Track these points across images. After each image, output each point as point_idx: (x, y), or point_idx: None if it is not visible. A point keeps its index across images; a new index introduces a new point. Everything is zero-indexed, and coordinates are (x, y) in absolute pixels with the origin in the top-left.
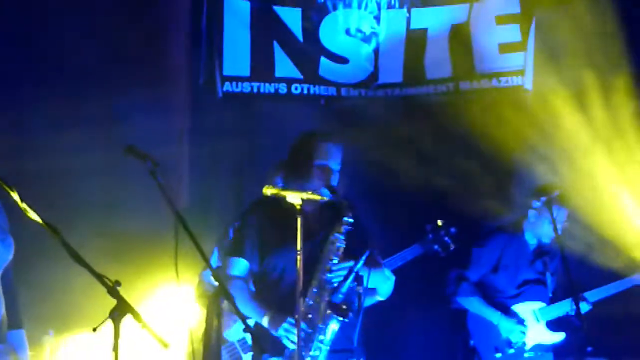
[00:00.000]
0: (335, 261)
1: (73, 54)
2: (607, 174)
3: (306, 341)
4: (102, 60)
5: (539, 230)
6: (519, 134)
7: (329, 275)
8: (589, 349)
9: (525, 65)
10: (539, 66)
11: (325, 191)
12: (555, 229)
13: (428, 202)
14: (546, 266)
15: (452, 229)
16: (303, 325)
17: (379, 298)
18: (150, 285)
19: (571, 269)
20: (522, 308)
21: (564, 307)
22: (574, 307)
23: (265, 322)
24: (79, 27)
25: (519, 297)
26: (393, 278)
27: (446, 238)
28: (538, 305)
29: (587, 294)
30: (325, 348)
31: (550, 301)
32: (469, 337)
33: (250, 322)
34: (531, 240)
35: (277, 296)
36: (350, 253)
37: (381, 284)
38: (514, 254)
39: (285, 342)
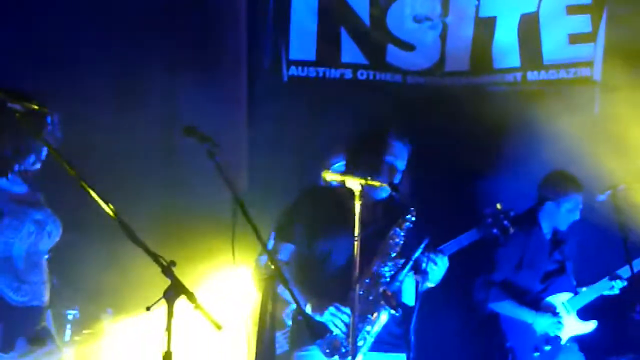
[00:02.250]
0: (393, 256)
1: (135, 37)
2: None
3: (353, 330)
4: (163, 44)
5: (556, 219)
6: (584, 126)
7: (383, 268)
8: None
9: (594, 56)
10: (608, 58)
11: (387, 188)
12: (623, 221)
13: (488, 190)
14: (563, 254)
15: (512, 213)
16: (347, 312)
17: (429, 285)
18: (208, 268)
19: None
20: (552, 302)
21: (599, 289)
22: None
23: (308, 308)
24: (142, 10)
25: (546, 292)
26: (446, 264)
27: (506, 222)
28: (565, 296)
29: (619, 272)
30: (370, 339)
31: (575, 289)
32: (505, 339)
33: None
34: (546, 229)
35: (323, 281)
36: (405, 250)
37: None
38: (534, 247)
39: (331, 326)
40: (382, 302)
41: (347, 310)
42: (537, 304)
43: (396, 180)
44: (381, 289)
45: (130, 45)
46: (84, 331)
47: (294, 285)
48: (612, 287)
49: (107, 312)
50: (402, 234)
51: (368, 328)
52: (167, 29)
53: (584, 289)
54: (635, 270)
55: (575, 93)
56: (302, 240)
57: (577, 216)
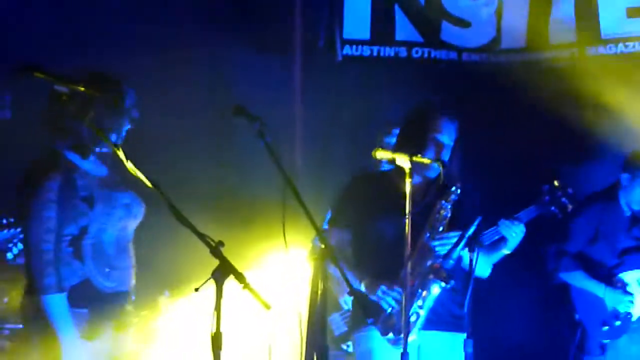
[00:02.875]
0: (440, 229)
1: (184, 16)
2: None
3: (405, 307)
4: (216, 24)
5: (632, 195)
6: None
7: (433, 243)
8: None
9: None
10: None
11: (435, 165)
12: None
13: (544, 166)
14: None
15: (570, 190)
16: (398, 289)
17: (506, 252)
18: (260, 251)
19: None
20: (625, 277)
21: None
22: None
23: (362, 287)
24: None
25: (621, 267)
26: (523, 231)
27: (564, 199)
28: None
29: None
30: (423, 314)
31: None
32: (574, 311)
33: None
34: (626, 206)
35: (375, 262)
36: (456, 224)
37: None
38: (611, 222)
39: (383, 304)
40: (431, 276)
41: (398, 288)
42: (610, 279)
43: (444, 156)
44: (429, 263)
45: (181, 24)
46: (141, 313)
47: (348, 269)
48: None
49: (165, 295)
50: (449, 206)
51: (419, 303)
52: (220, 8)
53: None
54: None
55: (636, 68)
56: (355, 225)
57: None
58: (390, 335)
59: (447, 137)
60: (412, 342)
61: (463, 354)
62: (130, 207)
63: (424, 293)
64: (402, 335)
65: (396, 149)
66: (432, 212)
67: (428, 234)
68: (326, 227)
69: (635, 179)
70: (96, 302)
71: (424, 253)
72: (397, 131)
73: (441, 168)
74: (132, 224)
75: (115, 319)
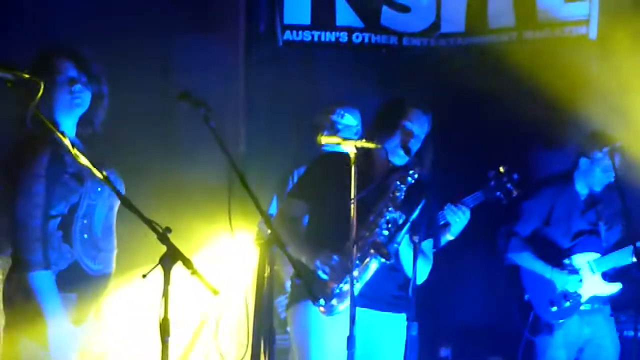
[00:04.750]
0: (391, 209)
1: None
2: None
3: (338, 273)
4: (158, 7)
5: (591, 179)
6: (581, 84)
7: (381, 220)
8: None
9: (590, 14)
10: (603, 16)
11: (401, 151)
12: (617, 176)
13: (488, 151)
14: (599, 216)
15: (515, 175)
16: (334, 261)
17: (450, 237)
18: (205, 235)
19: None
20: (577, 260)
21: (620, 258)
22: (633, 256)
23: (304, 257)
24: None
25: (574, 249)
26: (468, 217)
27: (509, 185)
28: (593, 256)
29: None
30: (359, 286)
31: (605, 251)
32: (524, 291)
33: None
34: (582, 190)
35: (326, 238)
36: (407, 207)
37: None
38: (566, 205)
39: (320, 272)
40: (372, 251)
41: (335, 256)
42: (561, 260)
43: (412, 146)
44: (372, 239)
45: (125, 9)
46: None
47: (302, 240)
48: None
49: None
50: (404, 187)
51: (355, 273)
52: None
53: (615, 252)
54: None
55: (572, 52)
56: (312, 199)
57: (611, 178)
58: (322, 301)
59: (417, 127)
60: (343, 311)
61: (402, 334)
62: (114, 184)
63: (363, 264)
64: (332, 302)
65: (367, 133)
66: (386, 191)
67: (377, 212)
68: (275, 209)
69: (594, 162)
70: (84, 286)
71: (371, 229)
72: (341, 111)
73: (407, 155)
74: (117, 203)
75: (97, 304)
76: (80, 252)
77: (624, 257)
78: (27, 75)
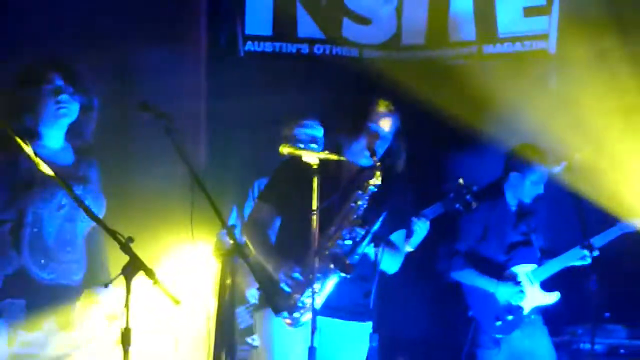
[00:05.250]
0: (353, 219)
1: (92, 12)
2: (630, 141)
3: (300, 286)
4: (119, 19)
5: (521, 191)
6: (541, 99)
7: (342, 231)
8: (607, 314)
9: (549, 29)
10: (563, 30)
11: (367, 153)
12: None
13: (449, 162)
14: (529, 226)
15: (474, 187)
16: (297, 274)
17: (409, 249)
18: (166, 245)
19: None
20: (515, 272)
21: (555, 265)
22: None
23: (271, 266)
24: None
25: (510, 262)
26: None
27: (468, 196)
28: (529, 267)
29: (592, 240)
30: (320, 298)
31: (540, 261)
32: (467, 308)
33: None
34: (512, 201)
35: (293, 244)
36: (370, 217)
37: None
38: (499, 218)
39: (283, 285)
40: (332, 266)
41: (298, 269)
42: (500, 274)
43: (378, 148)
44: (332, 252)
45: (84, 20)
46: None
47: (269, 246)
48: (583, 257)
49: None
50: (366, 197)
51: (316, 286)
52: (125, 4)
53: (552, 260)
54: (599, 244)
55: (532, 66)
56: (279, 203)
57: (541, 190)
58: (285, 314)
59: (383, 128)
60: (305, 322)
61: (365, 343)
62: (83, 198)
63: (322, 280)
64: (295, 315)
65: (337, 139)
66: (348, 201)
67: (339, 223)
68: (234, 219)
69: (525, 176)
70: (33, 293)
71: (333, 239)
72: (308, 123)
73: (372, 158)
74: (84, 218)
75: (60, 315)
76: (27, 259)
77: (559, 265)
78: None
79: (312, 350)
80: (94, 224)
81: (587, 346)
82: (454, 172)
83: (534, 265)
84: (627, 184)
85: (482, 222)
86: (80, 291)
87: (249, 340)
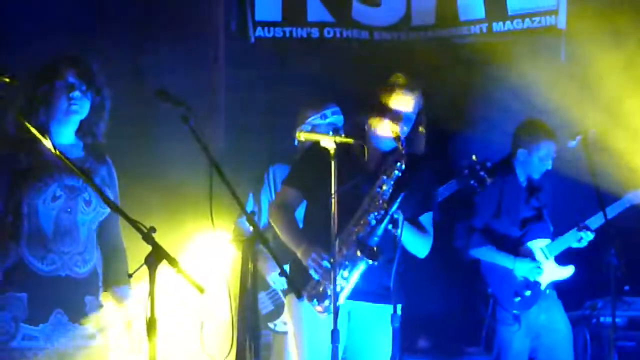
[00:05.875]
0: (379, 204)
1: (107, 6)
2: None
3: (329, 274)
4: (128, 8)
5: (530, 167)
6: (552, 74)
7: (369, 217)
8: (626, 288)
9: (558, 5)
10: (572, 6)
11: (391, 136)
12: (594, 166)
13: (463, 142)
14: (540, 201)
15: (488, 163)
16: (325, 262)
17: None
18: (186, 233)
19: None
20: (530, 247)
21: (569, 239)
22: (579, 237)
23: (299, 252)
24: None
25: (525, 237)
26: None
27: (482, 172)
28: (543, 242)
29: (588, 222)
30: (350, 285)
31: (553, 235)
32: (486, 285)
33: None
34: (521, 177)
35: (321, 229)
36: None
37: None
38: (511, 194)
39: (312, 272)
40: (358, 253)
41: (327, 256)
42: (517, 250)
43: (401, 130)
44: (354, 238)
45: (100, 9)
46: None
47: (295, 230)
48: (580, 239)
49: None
50: (391, 182)
51: (345, 274)
52: None
53: (560, 237)
54: (609, 216)
55: (542, 42)
56: (308, 188)
57: (549, 165)
58: (315, 301)
59: (405, 109)
60: (339, 307)
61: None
62: (77, 191)
63: (350, 267)
64: (326, 303)
65: (366, 124)
66: (374, 186)
67: (366, 207)
68: (252, 206)
69: (532, 152)
70: (34, 286)
71: (360, 224)
72: (327, 110)
73: (395, 140)
74: (85, 211)
75: (69, 307)
76: (25, 251)
77: (573, 238)
78: (8, 80)
79: (335, 334)
80: (103, 217)
81: (608, 319)
82: (465, 151)
83: (548, 240)
84: None
85: (496, 199)
86: (90, 284)
87: (270, 325)
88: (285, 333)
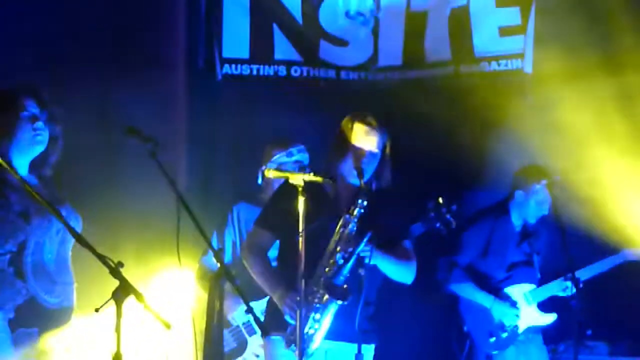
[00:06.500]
0: (347, 242)
1: (71, 37)
2: (608, 157)
3: (303, 319)
4: (99, 44)
5: (526, 210)
6: (518, 117)
7: (337, 256)
8: (589, 332)
9: (525, 48)
10: (538, 50)
11: (354, 173)
12: (556, 209)
13: (426, 182)
14: (532, 247)
15: (454, 206)
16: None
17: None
18: (151, 269)
19: (554, 250)
20: (513, 291)
21: (554, 288)
22: (565, 287)
23: (275, 297)
24: (78, 10)
25: (509, 280)
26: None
27: (448, 216)
28: (528, 287)
29: (578, 273)
30: (322, 328)
31: (539, 282)
32: (462, 322)
33: (258, 304)
34: (517, 221)
35: (291, 269)
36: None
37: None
38: (502, 236)
39: (287, 317)
40: (326, 297)
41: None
42: (498, 292)
43: (365, 166)
44: (322, 279)
45: (63, 44)
46: None
47: (270, 273)
48: (565, 289)
49: None
50: (355, 220)
51: (317, 317)
52: (102, 29)
53: (546, 285)
54: (602, 269)
55: (508, 85)
56: (279, 229)
57: (545, 210)
58: (293, 347)
59: (369, 144)
60: (315, 350)
61: None
62: (68, 220)
63: (322, 310)
64: (308, 350)
65: (326, 161)
66: (339, 225)
67: (335, 246)
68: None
69: (529, 195)
70: (44, 320)
71: (329, 265)
72: (296, 147)
73: (359, 177)
74: (70, 239)
75: (63, 337)
76: (35, 286)
77: (558, 288)
78: None
79: None
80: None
81: None
82: (436, 191)
83: (533, 285)
84: (611, 203)
85: (485, 238)
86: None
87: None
88: None
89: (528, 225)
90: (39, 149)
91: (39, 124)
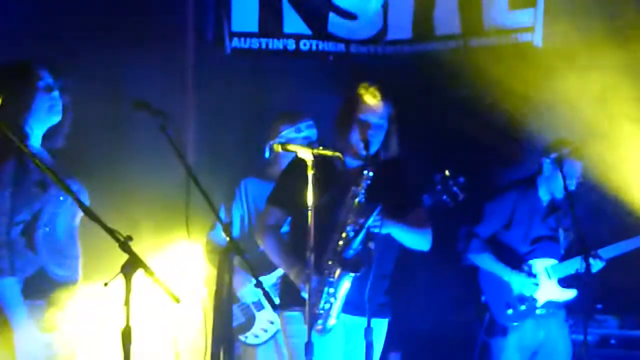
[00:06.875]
0: (355, 215)
1: (80, 9)
2: (621, 128)
3: (317, 294)
4: (109, 18)
5: (553, 185)
6: (529, 90)
7: (348, 229)
8: (599, 306)
9: (535, 21)
10: (548, 22)
11: (361, 144)
12: (565, 186)
13: (437, 156)
14: (559, 222)
15: (461, 179)
16: (315, 278)
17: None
18: (160, 243)
19: (582, 225)
20: (535, 264)
21: (575, 264)
22: (585, 264)
23: (292, 274)
24: None
25: (532, 254)
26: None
27: (455, 188)
28: (550, 262)
29: (600, 251)
30: (338, 302)
31: (563, 258)
32: (481, 293)
33: (267, 279)
34: (545, 195)
35: (304, 249)
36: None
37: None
38: (527, 209)
39: (304, 293)
40: (339, 271)
41: (315, 278)
42: (519, 264)
43: (371, 138)
44: (334, 253)
45: (73, 16)
46: None
47: (283, 250)
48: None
49: None
50: (362, 191)
51: (331, 291)
52: (112, 2)
53: (569, 260)
54: (626, 249)
55: (518, 59)
56: (290, 205)
57: (572, 186)
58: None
59: (373, 116)
60: (333, 325)
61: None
62: (78, 194)
63: (335, 284)
64: (327, 325)
65: (334, 135)
66: (348, 200)
67: (344, 219)
68: (224, 217)
69: (557, 168)
70: (51, 293)
71: (342, 239)
72: (305, 122)
73: (365, 149)
74: (79, 213)
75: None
76: (45, 258)
77: (580, 264)
78: None
79: (309, 346)
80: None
81: (580, 337)
82: (443, 165)
83: (555, 261)
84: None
85: (509, 210)
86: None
87: (241, 337)
88: (255, 345)
89: (555, 200)
90: (55, 119)
91: (55, 93)
